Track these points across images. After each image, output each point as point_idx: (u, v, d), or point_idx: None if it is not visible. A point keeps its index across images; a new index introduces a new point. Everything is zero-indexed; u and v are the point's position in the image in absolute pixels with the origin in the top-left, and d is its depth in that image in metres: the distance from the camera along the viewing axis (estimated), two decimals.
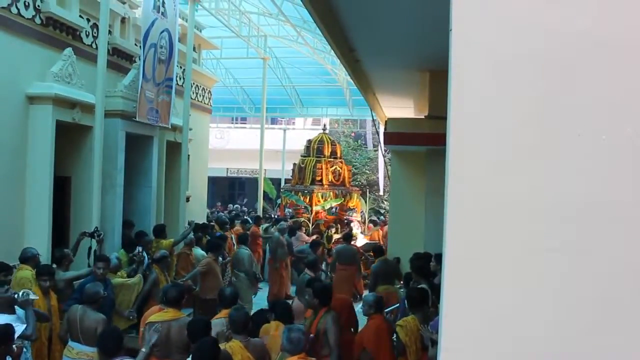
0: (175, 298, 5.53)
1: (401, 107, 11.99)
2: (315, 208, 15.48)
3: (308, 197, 15.67)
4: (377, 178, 26.46)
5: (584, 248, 1.49)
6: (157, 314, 5.49)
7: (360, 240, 14.37)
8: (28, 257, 6.62)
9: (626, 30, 1.49)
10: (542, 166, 1.52)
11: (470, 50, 1.57)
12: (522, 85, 1.54)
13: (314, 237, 13.63)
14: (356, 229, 15.25)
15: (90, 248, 7.86)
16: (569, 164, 1.50)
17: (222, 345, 4.62)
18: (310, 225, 14.91)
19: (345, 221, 15.65)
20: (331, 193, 15.89)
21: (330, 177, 16.17)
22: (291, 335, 4.44)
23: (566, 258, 1.50)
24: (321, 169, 16.04)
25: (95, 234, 7.68)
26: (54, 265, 6.92)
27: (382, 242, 13.52)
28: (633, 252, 1.47)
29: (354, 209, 16.59)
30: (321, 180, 15.97)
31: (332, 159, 16.47)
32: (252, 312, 6.58)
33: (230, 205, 23.09)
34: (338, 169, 16.42)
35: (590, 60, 1.51)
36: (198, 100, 14.30)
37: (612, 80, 1.50)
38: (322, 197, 15.75)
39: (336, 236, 14.07)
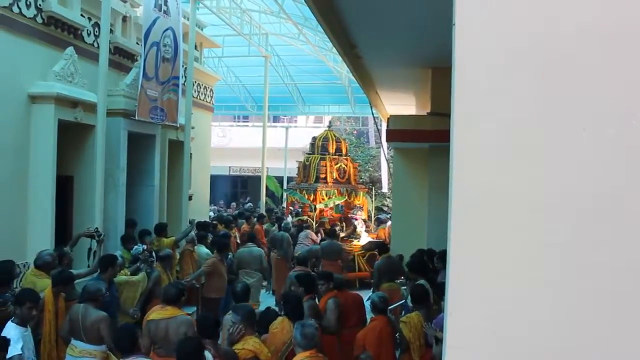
0: (175, 296, 5.60)
1: (403, 105, 11.98)
2: (318, 206, 15.44)
3: (312, 195, 15.62)
4: (380, 175, 26.44)
5: (588, 242, 1.48)
6: (156, 312, 5.53)
7: (364, 239, 14.36)
8: (41, 264, 6.42)
9: (628, 23, 1.48)
10: (547, 161, 1.51)
11: (474, 45, 1.56)
12: (526, 80, 1.53)
13: (318, 235, 13.66)
14: (360, 227, 15.21)
15: (90, 249, 7.85)
16: (574, 158, 1.49)
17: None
18: (314, 224, 14.92)
19: (351, 219, 15.61)
20: (335, 191, 15.80)
21: (335, 174, 16.08)
22: (305, 331, 4.44)
23: (572, 253, 1.48)
24: (325, 166, 15.96)
25: (95, 235, 7.65)
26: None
27: (387, 240, 13.55)
28: (635, 247, 1.46)
29: (360, 206, 16.52)
30: (325, 178, 15.88)
31: (336, 156, 16.38)
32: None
33: (234, 204, 23.09)
34: (343, 166, 16.31)
35: (594, 54, 1.49)
36: (200, 99, 14.29)
37: (616, 73, 1.48)
38: (326, 195, 15.69)
39: (341, 234, 14.03)
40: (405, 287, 7.99)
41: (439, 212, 7.96)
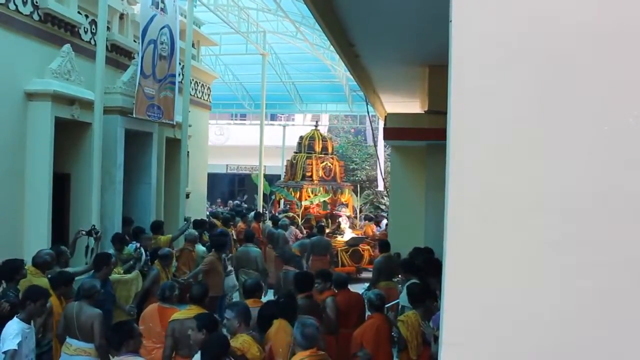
0: (199, 295, 5.63)
1: (404, 102, 11.94)
2: (304, 203, 15.95)
3: (298, 193, 16.15)
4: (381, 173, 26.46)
5: (585, 240, 1.48)
6: (181, 312, 5.50)
7: (347, 235, 14.71)
8: (40, 262, 6.38)
9: (626, 21, 1.47)
10: (543, 157, 1.51)
11: (470, 42, 1.55)
12: (523, 77, 1.52)
13: (304, 231, 14.02)
14: (344, 223, 15.53)
15: (87, 246, 7.83)
16: (570, 155, 1.49)
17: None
18: (299, 220, 15.28)
19: (336, 216, 16.00)
20: (321, 188, 16.31)
21: (321, 172, 16.63)
22: (305, 331, 4.41)
23: (568, 250, 1.48)
24: (311, 164, 16.51)
25: (93, 232, 7.63)
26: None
27: (372, 237, 14.22)
28: (634, 244, 1.45)
29: (345, 204, 17.06)
30: (311, 176, 16.44)
31: (322, 155, 16.92)
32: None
33: (231, 202, 23.06)
34: (329, 164, 16.85)
35: (591, 52, 1.49)
36: (197, 97, 14.28)
37: (612, 71, 1.48)
38: (311, 192, 16.22)
39: (326, 230, 14.30)
40: (400, 286, 7.99)
41: (436, 210, 7.96)
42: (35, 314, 5.11)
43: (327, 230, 14.39)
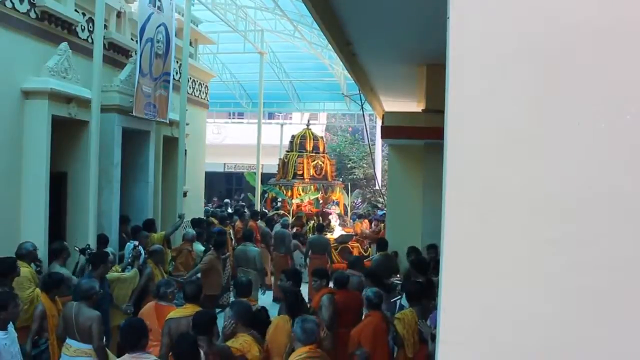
0: (194, 294, 5.63)
1: (403, 101, 11.95)
2: (294, 201, 16.32)
3: (289, 191, 16.55)
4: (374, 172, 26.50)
5: (584, 239, 1.48)
6: (176, 310, 5.50)
7: (337, 232, 15.09)
8: (24, 253, 6.50)
9: (626, 18, 1.47)
10: (542, 156, 1.50)
11: (468, 38, 1.55)
12: (522, 74, 1.52)
13: (295, 229, 14.31)
14: (334, 221, 15.88)
15: (77, 263, 7.75)
16: (569, 153, 1.49)
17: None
18: (290, 218, 15.54)
19: (327, 213, 16.29)
20: (312, 187, 16.71)
21: (312, 171, 17.05)
22: (305, 326, 4.44)
23: (566, 250, 1.48)
24: (302, 163, 16.94)
25: (87, 251, 7.56)
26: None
27: (360, 235, 14.57)
28: (634, 243, 1.45)
29: (336, 201, 17.42)
30: (302, 174, 16.86)
31: (314, 154, 17.32)
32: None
33: (227, 201, 23.06)
34: (320, 163, 17.27)
35: (590, 49, 1.49)
36: (195, 95, 14.26)
37: (611, 68, 1.48)
38: (302, 191, 16.62)
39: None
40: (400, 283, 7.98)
41: (433, 209, 7.95)
42: (10, 318, 4.99)
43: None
